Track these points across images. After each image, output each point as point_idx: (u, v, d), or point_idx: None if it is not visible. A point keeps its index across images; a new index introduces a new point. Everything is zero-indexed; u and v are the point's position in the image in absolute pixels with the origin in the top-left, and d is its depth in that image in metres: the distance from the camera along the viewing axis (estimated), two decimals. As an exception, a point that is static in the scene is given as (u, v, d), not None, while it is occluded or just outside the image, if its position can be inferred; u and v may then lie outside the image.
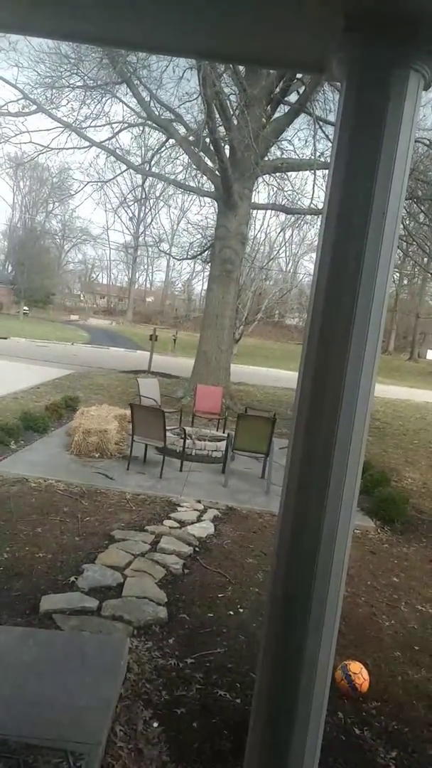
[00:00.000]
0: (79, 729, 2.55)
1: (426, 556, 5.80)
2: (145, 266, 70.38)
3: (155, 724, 2.87)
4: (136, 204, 24.14)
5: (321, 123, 13.04)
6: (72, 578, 4.24)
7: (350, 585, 4.78)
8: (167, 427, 7.39)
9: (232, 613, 4.13)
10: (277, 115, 13.64)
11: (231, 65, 12.02)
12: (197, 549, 5.16)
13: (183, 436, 8.02)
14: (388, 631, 4.20)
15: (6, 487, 6.13)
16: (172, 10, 1.51)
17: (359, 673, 3.37)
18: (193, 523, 5.77)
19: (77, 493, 6.23)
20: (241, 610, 4.18)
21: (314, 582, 1.60)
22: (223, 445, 8.10)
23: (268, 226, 52.34)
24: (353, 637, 4.02)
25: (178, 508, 6.16)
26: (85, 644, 3.30)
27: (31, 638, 3.29)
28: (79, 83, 14.11)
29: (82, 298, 70.57)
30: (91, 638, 3.44)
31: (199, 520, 5.90)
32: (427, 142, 14.00)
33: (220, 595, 4.37)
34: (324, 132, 13.41)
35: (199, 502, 6.44)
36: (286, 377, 24.17)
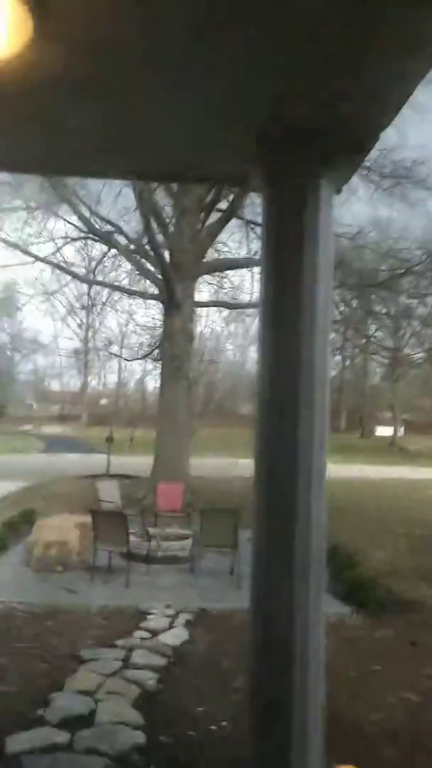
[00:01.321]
0: None
1: (403, 638, 5.62)
2: (97, 369, 70.66)
3: None
4: (83, 311, 24.64)
5: (252, 225, 13.90)
6: (39, 711, 3.89)
7: (331, 677, 4.55)
8: (130, 531, 7.16)
9: (214, 727, 3.85)
10: (210, 220, 14.47)
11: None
12: (171, 659, 4.87)
13: (147, 538, 7.76)
14: (377, 726, 3.98)
15: (-36, 615, 5.71)
16: (107, 137, 1.63)
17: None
18: (165, 630, 5.47)
19: (40, 613, 5.85)
20: (223, 724, 3.90)
21: (293, 674, 1.52)
22: (188, 543, 7.86)
23: (212, 321, 54.02)
24: (342, 737, 3.77)
25: (148, 617, 5.84)
26: (57, 787, 2.99)
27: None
28: (21, 206, 14.70)
29: (34, 407, 69.73)
30: (64, 778, 3.12)
31: (170, 626, 5.60)
32: (349, 237, 15.03)
33: (199, 709, 4.07)
34: (255, 233, 14.27)
35: (169, 607, 6.13)
36: (245, 465, 24.01)
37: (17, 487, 15.40)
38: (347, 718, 4.06)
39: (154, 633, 5.38)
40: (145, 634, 5.34)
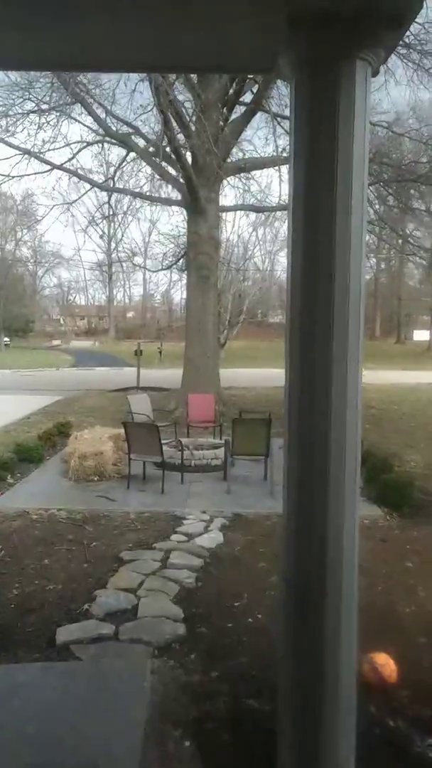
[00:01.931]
0: (110, 758, 2.53)
1: (437, 538, 5.82)
2: (122, 282, 70.27)
3: (186, 743, 2.85)
4: (104, 221, 24.14)
5: (279, 119, 13.15)
6: (85, 606, 4.22)
7: (365, 575, 4.78)
8: (163, 441, 7.39)
9: (250, 620, 4.12)
10: (234, 116, 13.74)
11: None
12: (208, 560, 5.15)
13: (180, 448, 8.01)
14: (409, 618, 4.21)
15: (7, 522, 6.09)
16: (118, 28, 1.53)
17: (386, 663, 3.37)
18: (200, 534, 5.76)
19: (80, 519, 6.20)
20: (259, 616, 4.17)
21: (326, 576, 1.59)
22: (221, 452, 8.09)
23: (239, 227, 52.52)
24: (374, 628, 4.01)
25: (184, 522, 6.14)
26: (106, 671, 3.29)
27: (51, 672, 3.27)
28: (33, 108, 14.12)
29: (62, 322, 70.39)
30: (112, 665, 3.42)
31: (206, 530, 5.88)
32: (386, 125, 14.14)
33: (236, 604, 4.36)
34: (283, 128, 13.51)
35: (204, 512, 6.43)
36: (276, 376, 24.11)
37: (51, 400, 15.87)
38: (381, 610, 4.30)
39: (191, 536, 5.68)
40: (182, 538, 5.64)
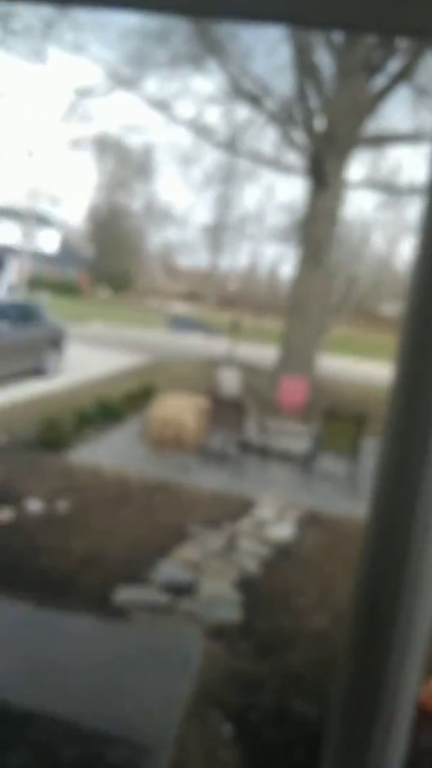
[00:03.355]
0: (150, 724, 2.66)
1: None
2: (230, 249, 70.49)
3: (227, 727, 2.94)
4: (220, 184, 24.27)
5: (423, 93, 12.59)
6: (146, 572, 4.40)
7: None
8: (248, 421, 7.45)
9: (310, 620, 4.14)
10: (375, 85, 13.29)
11: (326, 33, 11.81)
12: (276, 551, 5.19)
13: (264, 430, 8.05)
14: None
15: (81, 475, 6.40)
16: None
17: (448, 695, 3.28)
18: (272, 524, 5.80)
19: (152, 485, 6.41)
20: (320, 618, 4.18)
21: (403, 591, 1.58)
22: (307, 442, 8.06)
23: (362, 206, 51.03)
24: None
25: (257, 507, 6.20)
26: (157, 640, 3.43)
27: (104, 629, 3.45)
28: (165, 59, 14.33)
29: (163, 283, 71.82)
30: (164, 635, 3.56)
31: (278, 521, 5.92)
32: None
33: (298, 601, 4.38)
34: (426, 103, 12.93)
35: (279, 501, 6.45)
36: (378, 373, 23.59)
37: (141, 361, 16.36)
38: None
39: (262, 523, 5.74)
40: (253, 523, 5.71)
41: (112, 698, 2.79)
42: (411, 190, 14.92)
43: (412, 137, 13.17)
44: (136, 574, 4.37)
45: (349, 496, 6.98)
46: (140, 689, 2.90)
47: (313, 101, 12.62)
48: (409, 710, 1.74)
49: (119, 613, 3.83)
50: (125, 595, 4.02)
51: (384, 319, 52.79)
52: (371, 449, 8.44)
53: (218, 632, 3.80)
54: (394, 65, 12.96)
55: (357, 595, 1.77)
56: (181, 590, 4.22)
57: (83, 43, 14.14)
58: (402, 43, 11.78)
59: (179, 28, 13.50)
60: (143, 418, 8.98)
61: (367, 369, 25.00)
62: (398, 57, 12.60)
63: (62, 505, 5.48)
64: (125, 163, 51.82)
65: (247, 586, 4.48)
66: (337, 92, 12.12)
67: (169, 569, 4.47)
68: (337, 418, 7.51)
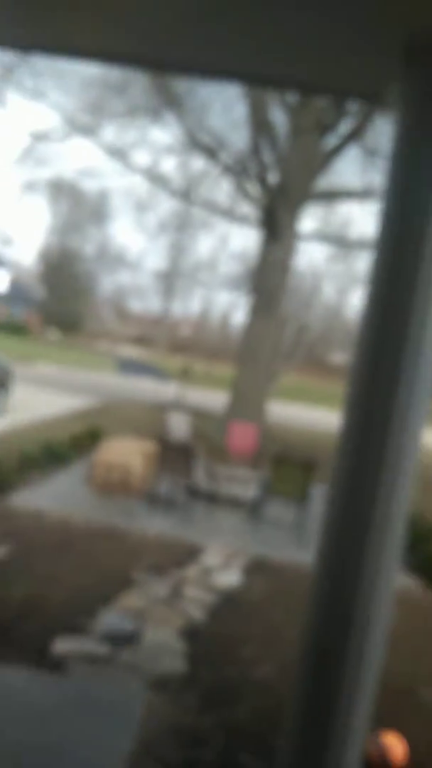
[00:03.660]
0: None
1: (474, 624, 5.61)
2: (182, 295, 71.35)
3: (168, 787, 2.82)
4: (175, 231, 24.73)
5: (372, 154, 13.26)
6: (87, 622, 4.25)
7: (390, 648, 4.64)
8: (196, 466, 7.41)
9: (256, 671, 4.06)
10: (326, 144, 13.93)
11: (281, 93, 12.39)
12: (222, 599, 5.11)
13: (213, 476, 8.02)
14: (429, 704, 4.06)
15: (23, 520, 6.20)
16: (223, 31, 1.59)
17: (395, 746, 3.25)
18: (219, 570, 5.73)
19: (97, 530, 6.26)
20: (266, 669, 4.10)
21: (350, 644, 1.58)
22: (255, 488, 8.05)
23: (313, 258, 52.75)
24: (389, 708, 3.89)
25: (204, 554, 6.12)
26: (97, 693, 3.29)
27: (41, 682, 3.30)
28: (124, 109, 14.70)
29: (114, 326, 71.78)
30: (105, 687, 3.43)
31: (225, 568, 5.84)
32: None
33: (244, 651, 4.30)
34: (376, 164, 13.60)
35: (226, 548, 6.39)
36: (328, 420, 23.97)
37: (88, 403, 16.17)
38: (400, 690, 4.16)
39: (208, 571, 5.65)
40: (199, 571, 5.62)
41: (50, 757, 2.64)
42: (360, 244, 15.52)
43: (361, 194, 13.79)
44: (77, 624, 4.22)
45: (296, 543, 6.97)
46: (78, 746, 2.76)
47: (267, 156, 13.12)
48: (357, 763, 1.71)
49: (58, 665, 3.67)
50: (64, 645, 3.86)
51: (333, 368, 54.00)
52: (320, 496, 8.50)
53: (162, 684, 3.68)
54: (345, 126, 13.65)
55: (304, 644, 1.76)
56: (123, 640, 4.08)
57: (42, 90, 14.32)
58: (353, 106, 12.44)
59: (138, 80, 13.91)
60: (89, 461, 8.82)
61: (317, 416, 25.39)
62: (349, 118, 13.29)
63: (1, 551, 5.28)
64: (80, 207, 52.30)
65: (192, 635, 4.37)
66: (291, 149, 12.63)
67: (111, 618, 4.33)
68: (286, 465, 7.55)
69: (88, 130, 15.39)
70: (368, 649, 1.58)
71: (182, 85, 13.57)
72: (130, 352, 55.79)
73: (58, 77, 15.08)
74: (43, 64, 13.93)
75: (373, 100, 1.85)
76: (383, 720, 3.70)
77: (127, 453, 8.27)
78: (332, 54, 1.68)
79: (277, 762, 1.88)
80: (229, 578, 5.57)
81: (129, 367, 38.15)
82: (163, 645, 4.09)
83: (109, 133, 15.69)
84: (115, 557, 5.61)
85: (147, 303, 75.16)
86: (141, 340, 68.24)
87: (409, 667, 4.52)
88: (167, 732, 3.23)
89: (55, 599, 4.56)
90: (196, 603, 4.88)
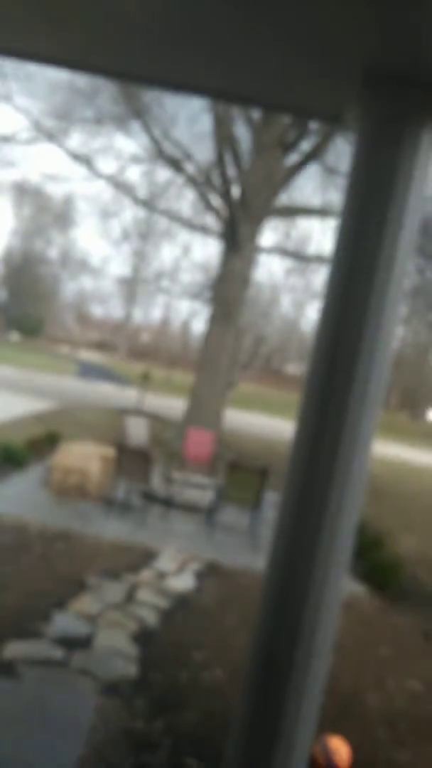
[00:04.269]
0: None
1: (417, 628, 5.71)
2: (143, 302, 71.11)
3: (116, 792, 2.77)
4: (138, 239, 24.64)
5: (332, 172, 13.49)
6: (39, 626, 4.16)
7: (335, 654, 4.69)
8: (153, 471, 7.36)
9: (207, 675, 4.04)
10: (288, 161, 14.11)
11: (245, 109, 12.50)
12: (175, 603, 5.08)
13: (169, 481, 7.98)
14: (372, 707, 4.11)
15: (-23, 522, 6.05)
16: (189, 47, 1.60)
17: (339, 749, 3.27)
18: (173, 575, 5.69)
19: (52, 534, 6.15)
20: (217, 673, 4.09)
21: (298, 648, 1.59)
22: (210, 494, 8.04)
23: (272, 270, 53.30)
24: (335, 712, 3.92)
25: (158, 559, 6.08)
26: (47, 698, 3.22)
27: (-10, 688, 3.21)
28: (91, 116, 14.60)
29: (74, 330, 70.98)
30: (55, 692, 3.35)
31: (179, 572, 5.81)
32: (439, 200, 14.43)
33: (195, 655, 4.27)
34: (335, 183, 13.85)
35: (180, 553, 6.36)
36: (281, 427, 24.17)
37: (47, 407, 15.91)
38: (345, 694, 4.21)
39: (162, 575, 5.61)
40: (153, 575, 5.57)
41: (-5, 763, 2.57)
42: (318, 259, 15.74)
43: (320, 211, 14.00)
44: (30, 627, 4.12)
45: (250, 549, 6.99)
46: (27, 753, 2.69)
47: (231, 170, 13.20)
48: (303, 766, 1.72)
49: (8, 669, 3.58)
50: (15, 649, 3.77)
51: (288, 378, 54.49)
52: (273, 502, 8.55)
53: (113, 689, 3.63)
54: (306, 145, 13.86)
55: (253, 648, 1.76)
56: (76, 644, 4.01)
57: (8, 93, 14.12)
58: (314, 125, 12.64)
59: (106, 88, 13.85)
60: (46, 465, 8.67)
61: (272, 424, 25.57)
62: (310, 137, 13.50)
63: None
64: (44, 211, 51.62)
65: (144, 639, 4.33)
66: (253, 164, 12.75)
67: (64, 622, 4.25)
68: (241, 471, 7.56)
69: (54, 135, 15.23)
70: (316, 654, 1.59)
71: (149, 95, 13.57)
72: (91, 356, 55.22)
73: (26, 80, 14.90)
74: (10, 66, 13.75)
75: (333, 121, 1.88)
76: (329, 724, 3.73)
77: (84, 457, 8.16)
78: (294, 75, 1.71)
79: (224, 765, 1.88)
80: (183, 583, 5.54)
81: (89, 371, 37.73)
82: (116, 649, 4.04)
83: (76, 139, 15.56)
84: (70, 561, 5.52)
85: (108, 309, 74.59)
86: (102, 345, 67.64)
87: (354, 673, 4.57)
88: (118, 738, 3.18)
89: (7, 603, 4.45)
90: (149, 607, 4.84)
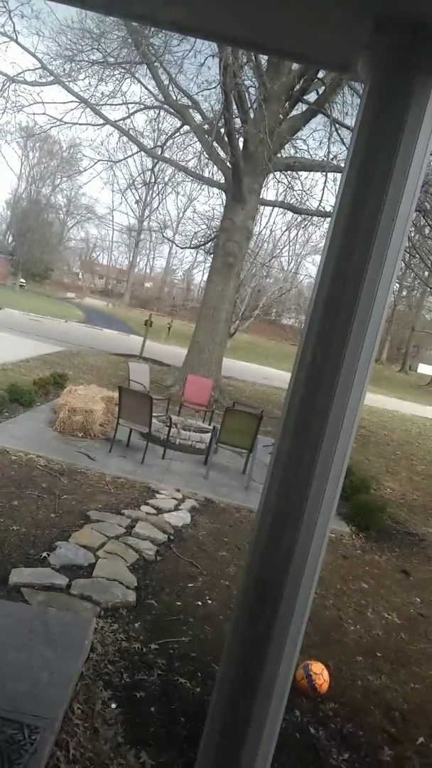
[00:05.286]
0: (37, 703, 2.56)
1: (397, 566, 5.85)
2: (147, 251, 70.13)
3: (113, 705, 2.88)
4: (144, 187, 24.04)
5: (337, 125, 13.03)
6: (44, 554, 4.24)
7: (320, 587, 4.82)
8: (153, 414, 7.39)
9: (200, 603, 4.15)
10: (294, 113, 13.61)
11: (253, 57, 11.97)
12: (172, 537, 5.18)
13: (168, 424, 8.03)
14: (352, 636, 4.24)
15: (-14, 457, 6.10)
16: None
17: (320, 673, 3.40)
18: (170, 511, 5.78)
19: (57, 470, 6.22)
20: (209, 602, 4.20)
21: (287, 579, 1.61)
22: (207, 437, 8.11)
23: (273, 223, 52.31)
24: (318, 639, 4.05)
25: (157, 495, 6.17)
26: (51, 620, 3.31)
27: (-2, 609, 3.30)
28: (99, 59, 13.98)
29: (80, 277, 70.20)
30: (58, 615, 3.45)
31: (176, 508, 5.91)
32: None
33: (190, 585, 4.39)
34: (339, 135, 13.40)
35: (178, 491, 6.45)
36: (277, 376, 24.21)
37: (53, 350, 15.87)
38: (327, 622, 4.34)
39: (160, 511, 5.70)
40: (151, 510, 5.66)
41: (1, 678, 2.66)
42: (319, 214, 15.40)
43: (323, 165, 13.59)
44: (36, 556, 4.21)
45: (243, 488, 7.09)
46: (30, 669, 2.78)
47: (237, 120, 12.74)
48: (288, 681, 1.77)
49: (14, 593, 3.67)
50: (21, 576, 3.86)
51: (284, 328, 54.18)
52: (266, 445, 8.63)
53: (112, 613, 3.73)
54: (313, 97, 13.34)
55: (245, 577, 1.79)
56: (78, 572, 4.10)
57: (16, 30, 13.49)
58: (321, 76, 12.14)
59: (115, 31, 13.23)
60: (53, 405, 8.70)
61: (267, 371, 25.61)
62: (318, 89, 12.98)
63: (-37, 485, 5.20)
64: (50, 156, 50.16)
65: (142, 569, 4.43)
66: (259, 114, 12.29)
67: (67, 552, 4.34)
68: (237, 417, 7.60)
69: (63, 78, 14.63)
70: (303, 584, 1.62)
71: (157, 40, 12.97)
72: (96, 303, 54.76)
73: (35, 19, 14.18)
74: (16, 2, 13.08)
75: (343, 70, 1.78)
76: (312, 650, 3.86)
77: (89, 398, 8.19)
78: (306, 22, 1.61)
79: (216, 683, 1.93)
80: (180, 518, 5.64)
81: (94, 317, 37.47)
82: (115, 577, 4.13)
83: (84, 82, 14.96)
84: (74, 495, 5.60)
85: (114, 256, 73.42)
86: (107, 292, 66.95)
87: (337, 604, 4.70)
88: (115, 657, 3.28)
89: (15, 532, 4.53)
90: (147, 540, 4.93)
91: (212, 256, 15.28)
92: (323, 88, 12.66)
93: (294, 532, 1.59)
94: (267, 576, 1.68)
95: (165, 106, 15.42)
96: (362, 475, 8.38)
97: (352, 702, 3.47)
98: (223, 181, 14.89)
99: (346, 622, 4.43)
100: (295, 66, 12.16)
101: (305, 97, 13.49)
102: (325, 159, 13.70)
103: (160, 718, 2.89)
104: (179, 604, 4.08)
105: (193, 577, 4.53)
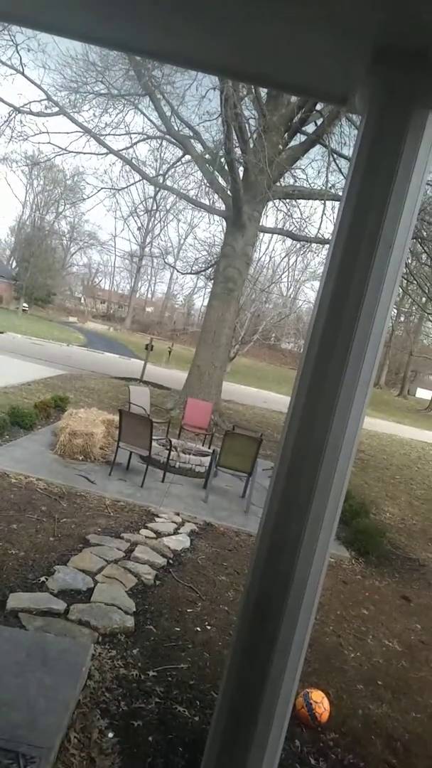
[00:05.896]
0: (34, 731, 2.50)
1: (397, 592, 5.77)
2: (149, 276, 70.73)
3: (110, 734, 2.81)
4: (146, 214, 24.32)
5: (335, 155, 13.23)
6: (42, 578, 4.19)
7: (320, 613, 4.75)
8: (153, 437, 7.37)
9: (199, 629, 4.08)
10: (293, 143, 13.83)
11: (253, 89, 12.20)
12: (171, 561, 5.11)
13: (168, 447, 7.99)
14: (353, 663, 4.17)
15: (-14, 480, 6.06)
16: (203, 24, 1.53)
17: (320, 702, 3.33)
18: (169, 535, 5.72)
19: (57, 493, 6.17)
20: (208, 627, 4.13)
21: (286, 604, 1.59)
22: (207, 460, 8.06)
23: (273, 249, 52.84)
24: (318, 666, 3.98)
25: (156, 519, 6.11)
26: (48, 646, 3.25)
27: (-5, 635, 3.24)
28: (103, 91, 14.26)
29: (82, 301, 70.63)
30: (55, 641, 3.38)
31: (175, 532, 5.85)
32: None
33: (189, 610, 4.32)
34: (337, 164, 13.59)
35: (177, 514, 6.40)
36: (276, 399, 24.19)
37: (54, 373, 15.88)
38: (327, 649, 4.26)
39: (159, 535, 5.64)
40: (150, 534, 5.60)
41: (-2, 704, 2.60)
42: (317, 241, 15.56)
43: (322, 193, 13.77)
44: (34, 580, 4.15)
45: (242, 512, 7.02)
46: (26, 697, 2.72)
47: (237, 150, 12.94)
48: (288, 710, 1.73)
49: (11, 618, 3.61)
50: (19, 600, 3.80)
51: (283, 352, 54.29)
52: (266, 469, 8.58)
53: (110, 639, 3.66)
54: (311, 128, 13.57)
55: (245, 602, 1.76)
56: (76, 597, 4.04)
57: (23, 63, 13.78)
58: (320, 108, 12.36)
59: (118, 64, 13.51)
60: (54, 428, 8.68)
61: (266, 395, 25.60)
62: (316, 120, 13.20)
63: (-37, 508, 5.15)
64: (54, 184, 50.82)
65: (141, 594, 4.36)
66: (259, 144, 12.49)
67: (66, 576, 4.28)
68: (237, 440, 7.57)
69: (67, 108, 14.90)
70: (302, 610, 1.59)
71: (160, 73, 13.23)
72: (98, 327, 55.02)
73: (41, 53, 14.51)
74: (23, 37, 13.37)
75: (341, 102, 1.81)
76: (312, 677, 3.78)
77: (90, 421, 8.16)
78: (305, 54, 1.64)
79: (215, 713, 1.89)
80: (179, 542, 5.58)
81: (96, 341, 37.59)
82: (113, 602, 4.07)
83: (87, 113, 15.25)
84: (73, 519, 5.54)
85: (116, 282, 73.99)
86: (108, 317, 67.31)
87: (337, 630, 4.63)
88: (112, 684, 3.22)
89: (13, 556, 4.47)
90: (146, 564, 4.87)
91: (212, 281, 15.40)
92: (321, 119, 12.88)
93: (293, 557, 1.58)
94: (266, 601, 1.66)
95: (167, 136, 15.68)
96: (362, 500, 8.32)
97: (353, 731, 3.39)
98: (223, 208, 15.06)
99: (347, 648, 4.36)
100: (294, 98, 12.39)
101: (304, 128, 13.73)
102: (323, 188, 13.88)
103: (158, 747, 2.82)
104: (178, 629, 4.01)
105: (192, 602, 4.46)
